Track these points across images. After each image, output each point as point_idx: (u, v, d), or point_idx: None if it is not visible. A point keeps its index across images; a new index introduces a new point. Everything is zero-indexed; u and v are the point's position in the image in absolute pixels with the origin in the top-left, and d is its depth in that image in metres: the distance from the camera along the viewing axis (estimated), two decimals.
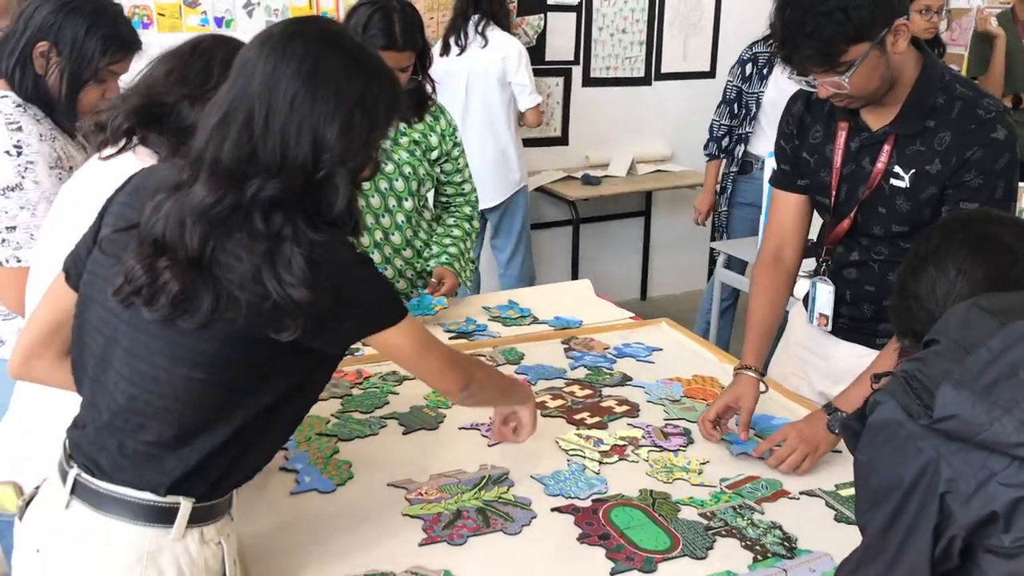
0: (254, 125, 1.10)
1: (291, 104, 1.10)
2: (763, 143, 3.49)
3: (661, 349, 2.22)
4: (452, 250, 2.40)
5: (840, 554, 1.41)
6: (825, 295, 1.88)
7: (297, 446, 1.69)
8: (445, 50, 3.88)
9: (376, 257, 2.36)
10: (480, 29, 3.85)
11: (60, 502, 1.16)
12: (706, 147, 3.75)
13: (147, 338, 1.14)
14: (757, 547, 1.45)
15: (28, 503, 1.22)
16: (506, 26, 3.96)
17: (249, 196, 1.10)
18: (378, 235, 2.35)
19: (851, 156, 1.75)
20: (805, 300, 2.01)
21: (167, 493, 1.14)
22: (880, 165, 1.70)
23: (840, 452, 1.73)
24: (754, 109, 3.56)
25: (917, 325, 1.13)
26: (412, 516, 1.50)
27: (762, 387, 1.79)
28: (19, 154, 1.69)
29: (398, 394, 1.94)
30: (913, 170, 1.67)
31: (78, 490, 1.16)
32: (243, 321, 1.11)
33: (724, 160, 3.74)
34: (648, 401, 1.94)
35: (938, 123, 1.65)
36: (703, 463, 1.70)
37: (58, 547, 1.15)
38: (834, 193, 1.78)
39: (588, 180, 4.55)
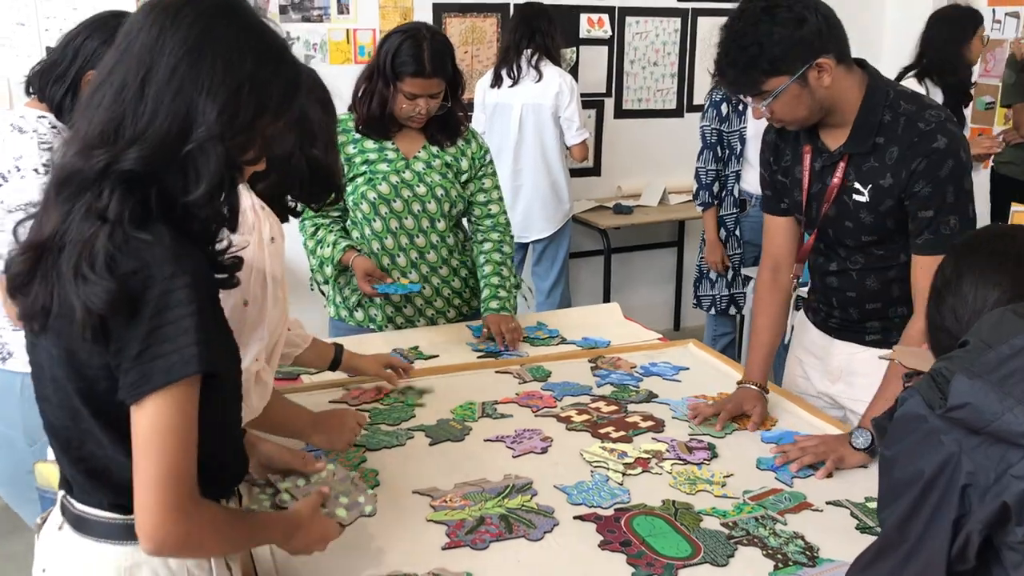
0: (127, 91, 1.02)
1: (171, 72, 1.01)
2: (754, 178, 3.48)
3: (688, 368, 2.23)
4: (496, 298, 2.40)
5: None
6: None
7: (326, 455, 1.73)
8: (496, 82, 3.97)
9: (414, 275, 2.41)
10: (534, 63, 3.93)
11: (56, 523, 1.18)
12: (696, 197, 3.74)
13: (44, 355, 1.10)
14: (779, 556, 1.45)
15: (44, 521, 1.23)
16: (557, 60, 4.04)
17: (103, 165, 1.00)
18: (413, 255, 2.40)
19: (816, 175, 1.87)
20: (805, 308, 2.13)
21: (131, 512, 1.05)
22: (835, 181, 1.82)
23: (866, 468, 1.72)
24: (739, 147, 3.57)
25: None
26: (436, 522, 1.52)
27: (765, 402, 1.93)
28: (47, 173, 1.71)
29: (424, 406, 1.97)
30: (870, 185, 1.78)
31: (66, 513, 1.15)
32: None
33: (720, 204, 3.71)
34: (673, 417, 1.95)
35: (887, 139, 1.75)
36: (727, 476, 1.70)
37: (56, 569, 1.15)
38: (804, 210, 1.90)
39: (620, 209, 4.59)
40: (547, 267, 4.23)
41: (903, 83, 3.85)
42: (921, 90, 3.74)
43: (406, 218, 2.36)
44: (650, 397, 2.04)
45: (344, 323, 2.48)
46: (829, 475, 1.70)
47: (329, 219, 2.38)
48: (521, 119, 3.98)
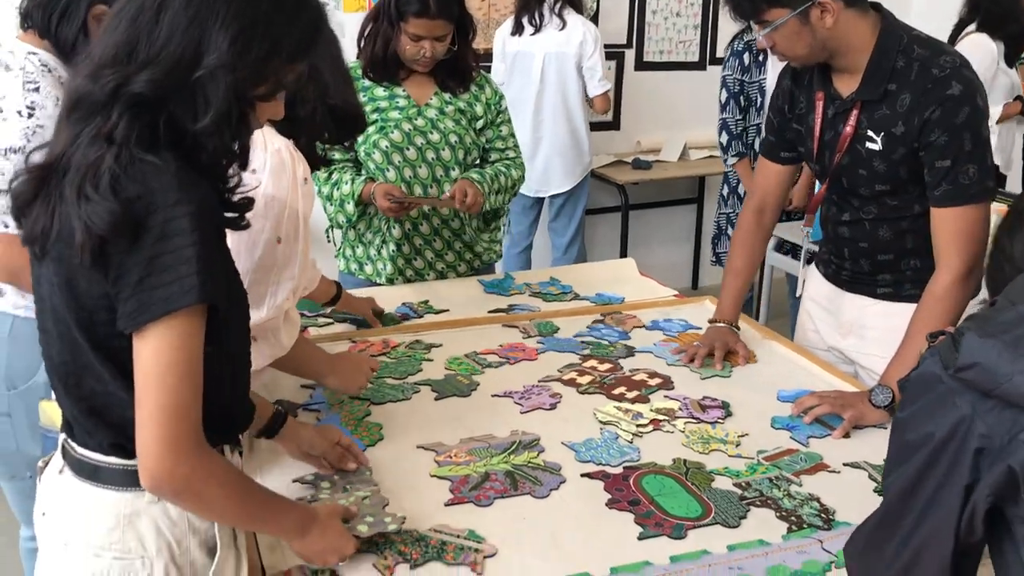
0: (143, 17, 1.01)
1: (188, 1, 1.01)
2: None
3: (700, 329, 2.16)
4: (475, 175, 2.30)
5: None
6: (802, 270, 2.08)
7: (329, 408, 1.69)
8: (517, 30, 3.87)
9: (425, 228, 2.36)
10: (557, 11, 3.83)
11: (57, 467, 1.15)
12: (726, 149, 3.59)
13: (46, 285, 1.08)
14: (793, 518, 1.40)
15: (46, 464, 1.20)
16: (580, 8, 3.93)
17: (112, 87, 0.99)
18: (427, 206, 2.34)
19: (828, 123, 1.82)
20: (817, 261, 2.08)
21: (133, 455, 1.03)
22: (848, 129, 1.77)
23: (885, 428, 1.67)
24: (759, 99, 3.47)
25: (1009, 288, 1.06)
26: (440, 477, 1.48)
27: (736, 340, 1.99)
28: (30, 116, 1.65)
29: (432, 361, 1.93)
30: (883, 133, 1.73)
31: (67, 456, 1.13)
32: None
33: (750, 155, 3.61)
34: (669, 364, 1.94)
35: (899, 86, 1.70)
36: (741, 435, 1.65)
37: (56, 513, 1.13)
38: (816, 158, 1.86)
39: (639, 164, 4.49)
40: (564, 223, 4.16)
41: (962, 40, 3.72)
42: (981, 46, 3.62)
43: (420, 167, 2.30)
44: (630, 352, 2.00)
45: (353, 277, 2.44)
46: (847, 435, 1.65)
47: (340, 164, 2.32)
48: (543, 69, 3.88)
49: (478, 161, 2.41)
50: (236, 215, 1.12)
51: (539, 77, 3.89)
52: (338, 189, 2.27)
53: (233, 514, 1.10)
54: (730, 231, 3.77)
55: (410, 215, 2.32)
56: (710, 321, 2.05)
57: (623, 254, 4.53)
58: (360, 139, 2.27)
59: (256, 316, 1.39)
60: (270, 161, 1.42)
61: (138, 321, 0.98)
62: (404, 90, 2.30)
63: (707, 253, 5.14)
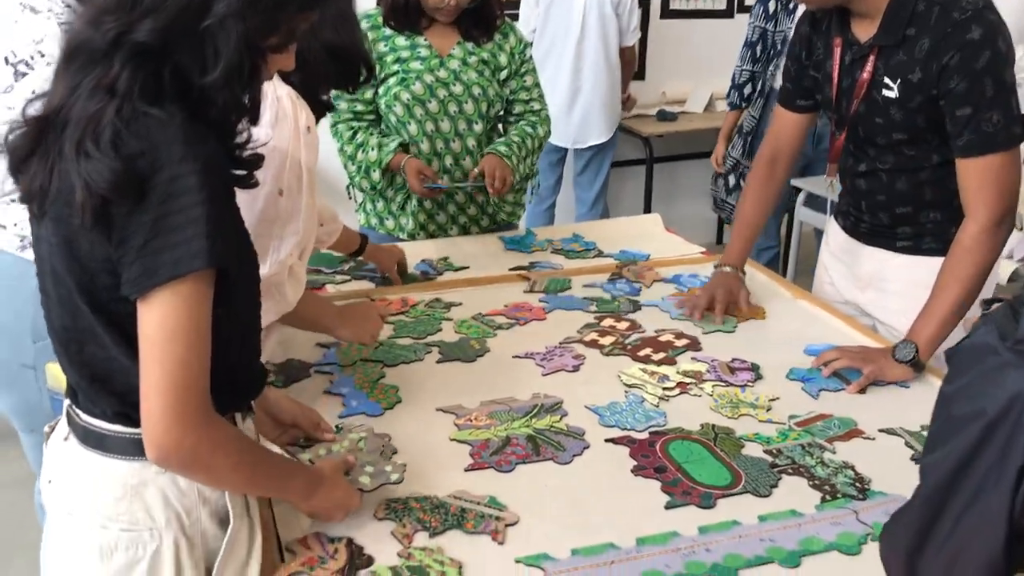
0: None
1: None
2: None
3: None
4: (503, 148, 2.24)
5: None
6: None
7: (341, 370, 1.65)
8: None
9: (460, 197, 2.32)
10: None
11: (63, 434, 1.11)
12: (728, 95, 3.58)
13: (45, 246, 1.02)
14: (826, 487, 1.34)
15: (52, 429, 1.16)
16: None
17: (114, 35, 0.93)
18: (448, 160, 2.28)
19: (846, 70, 1.76)
20: (836, 212, 2.03)
21: (138, 424, 0.98)
22: (865, 76, 1.71)
23: (919, 392, 1.60)
24: (780, 47, 3.35)
25: None
26: (459, 441, 1.44)
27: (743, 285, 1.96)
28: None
29: (452, 320, 1.87)
30: (899, 80, 1.67)
31: (72, 423, 1.08)
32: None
33: (751, 104, 3.54)
34: (673, 319, 1.89)
35: (918, 31, 1.63)
36: (772, 399, 1.59)
37: (63, 481, 1.09)
38: (834, 106, 1.81)
39: (664, 116, 4.38)
40: (591, 177, 4.07)
41: None
42: None
43: (442, 120, 2.23)
44: (635, 307, 1.95)
45: (375, 231, 2.38)
46: (862, 391, 1.61)
47: (365, 122, 2.24)
48: (584, 15, 3.76)
49: (501, 113, 2.33)
50: (245, 172, 1.06)
51: (580, 23, 3.77)
52: (364, 152, 2.20)
53: (243, 483, 1.07)
54: (733, 180, 3.68)
55: (437, 171, 2.26)
56: (716, 266, 2.01)
57: (647, 209, 4.44)
58: (381, 91, 2.20)
59: (259, 272, 1.35)
60: (270, 109, 1.36)
61: (143, 287, 0.92)
62: (426, 39, 2.21)
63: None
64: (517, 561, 1.18)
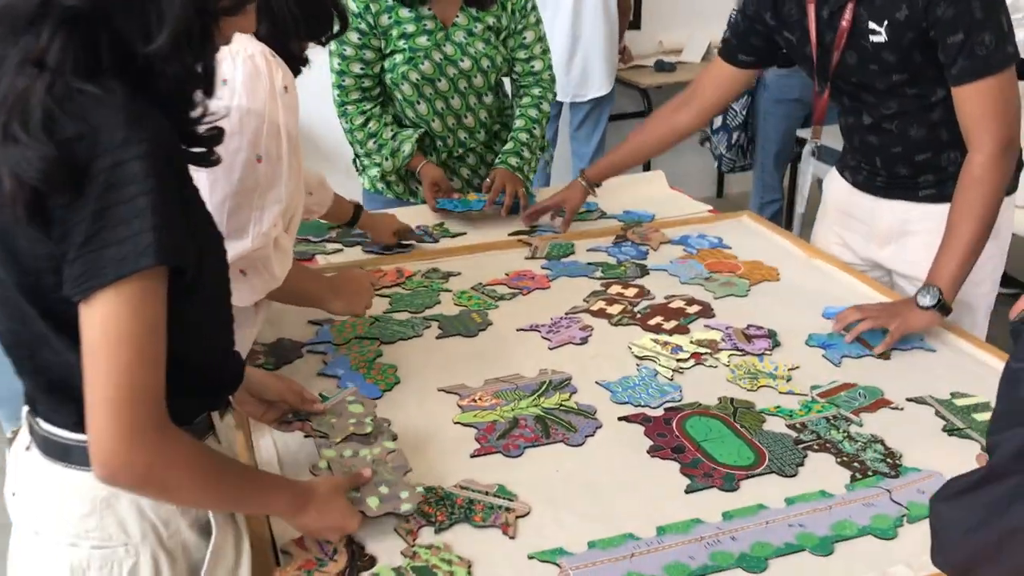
0: None
1: None
2: None
3: (730, 248, 1.99)
4: (513, 160, 2.18)
5: (952, 471, 1.22)
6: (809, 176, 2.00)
7: (336, 350, 1.56)
8: None
9: (471, 159, 2.24)
10: None
11: (24, 443, 1.00)
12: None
13: None
14: (855, 464, 1.26)
15: (15, 435, 1.05)
16: None
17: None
18: (462, 135, 2.20)
19: (825, 24, 1.69)
20: (839, 165, 1.94)
21: None
22: (844, 24, 1.64)
23: (951, 351, 1.52)
24: None
25: None
26: (464, 424, 1.35)
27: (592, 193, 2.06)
28: None
29: (451, 292, 1.78)
30: (886, 21, 1.59)
31: (33, 433, 0.98)
32: None
33: None
34: (683, 283, 1.81)
35: None
36: (792, 368, 1.50)
37: (27, 495, 0.99)
38: (816, 65, 1.73)
39: (661, 66, 4.24)
40: (589, 131, 3.94)
41: None
42: None
43: (452, 98, 2.13)
44: (643, 272, 1.86)
45: (380, 195, 2.27)
46: (886, 357, 1.53)
47: (375, 101, 2.12)
48: None
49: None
50: (204, 150, 0.95)
51: None
52: (379, 148, 2.13)
53: (211, 501, 0.95)
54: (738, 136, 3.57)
55: (447, 144, 2.19)
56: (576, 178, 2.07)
57: (646, 163, 4.31)
58: (387, 65, 2.09)
59: (241, 246, 1.26)
60: (242, 69, 1.24)
61: (85, 288, 0.81)
62: (429, 8, 2.09)
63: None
64: (530, 557, 1.10)
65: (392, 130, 2.13)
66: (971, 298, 1.70)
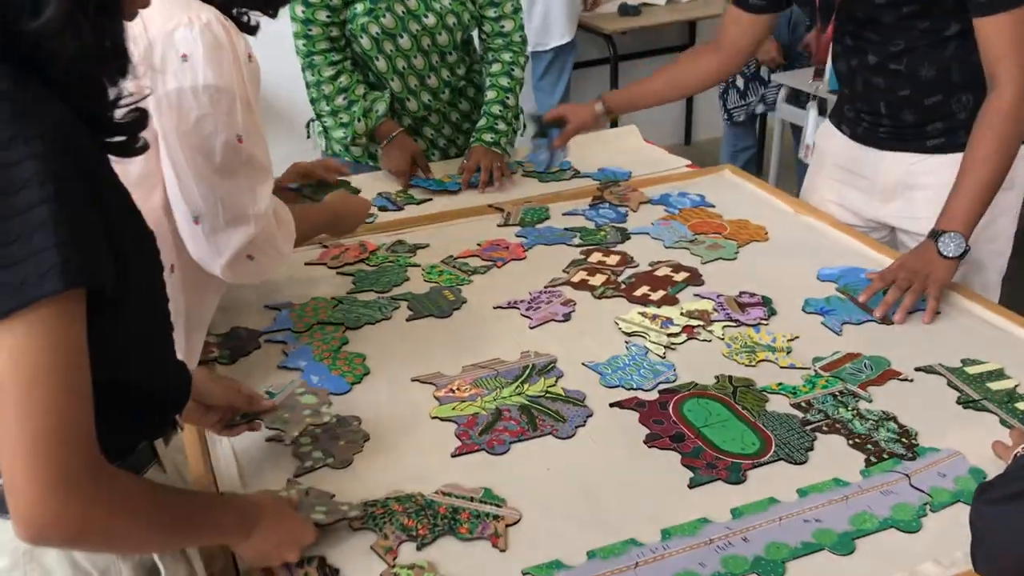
0: None
1: None
2: None
3: (714, 206, 1.88)
4: (488, 136, 2.03)
5: (972, 450, 1.14)
6: (811, 121, 1.68)
7: (297, 339, 1.42)
8: None
9: (434, 119, 2.09)
10: None
11: None
12: None
13: None
14: (869, 446, 1.16)
15: None
16: None
17: None
18: (426, 97, 2.03)
19: None
20: (835, 116, 1.82)
21: None
22: None
23: (958, 312, 1.43)
24: None
25: None
26: (443, 419, 1.23)
27: (596, 124, 1.97)
28: None
29: (419, 266, 1.65)
30: None
31: None
32: None
33: None
34: (667, 247, 1.70)
35: None
36: (791, 339, 1.40)
37: None
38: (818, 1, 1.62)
39: (625, 10, 4.08)
40: (553, 81, 3.78)
41: None
42: None
43: (415, 57, 1.96)
44: (624, 236, 1.74)
45: (339, 158, 2.11)
46: (885, 320, 1.44)
47: (341, 53, 1.94)
48: None
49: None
50: (124, 138, 0.80)
51: None
52: (348, 105, 1.94)
53: (157, 541, 0.82)
54: (739, 83, 3.43)
55: (407, 108, 2.03)
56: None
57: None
58: (348, 14, 1.92)
59: (245, 234, 1.19)
60: (201, 41, 1.11)
61: (20, 301, 0.67)
62: None
63: (700, 107, 4.80)
64: (525, 573, 0.99)
65: (364, 88, 1.96)
66: (983, 255, 1.60)
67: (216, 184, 1.15)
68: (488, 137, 2.02)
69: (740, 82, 3.41)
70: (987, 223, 1.50)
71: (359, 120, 1.94)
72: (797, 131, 3.28)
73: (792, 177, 3.33)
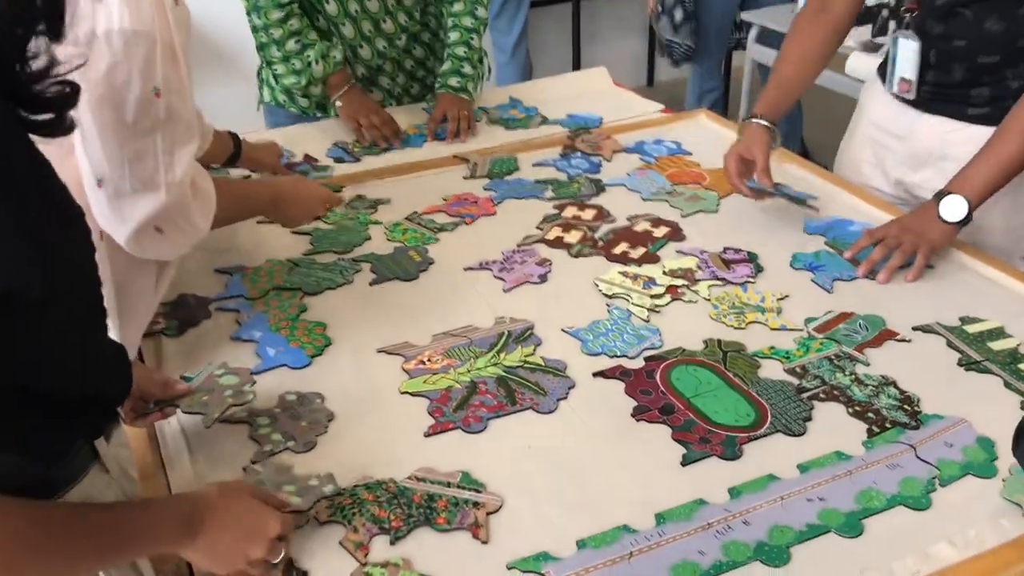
0: None
1: None
2: None
3: (691, 153, 1.78)
4: (454, 80, 1.90)
5: (978, 415, 1.08)
6: (908, 53, 1.52)
7: (251, 305, 1.30)
8: None
9: (389, 67, 1.94)
10: None
11: None
12: None
13: None
14: (870, 414, 1.09)
15: None
16: None
17: None
18: (380, 44, 1.88)
19: None
20: (882, 71, 1.63)
21: None
22: None
23: (955, 268, 1.36)
24: None
25: None
26: (413, 394, 1.14)
27: (774, 142, 1.57)
28: None
29: (380, 224, 1.53)
30: None
31: None
32: None
33: None
34: (644, 199, 1.60)
35: None
36: (781, 298, 1.32)
37: None
38: None
39: None
40: (509, 20, 3.61)
41: None
42: None
43: (370, 1, 1.80)
44: (599, 188, 1.65)
45: (283, 109, 1.96)
46: (872, 274, 1.37)
47: (300, 12, 1.78)
48: None
49: None
50: (51, 116, 0.67)
51: None
52: (302, 49, 1.78)
53: (82, 567, 0.71)
54: (680, 15, 3.30)
55: (360, 56, 1.88)
56: (743, 120, 1.61)
57: (575, 52, 4.03)
58: None
59: (153, 202, 1.04)
60: None
61: None
62: None
63: None
64: (510, 567, 0.90)
65: (316, 33, 1.80)
66: (1008, 243, 1.48)
67: (125, 143, 1.00)
68: (455, 82, 1.89)
69: (679, 14, 3.30)
70: (1017, 209, 1.41)
71: (316, 62, 1.79)
72: (764, 71, 3.18)
73: None
